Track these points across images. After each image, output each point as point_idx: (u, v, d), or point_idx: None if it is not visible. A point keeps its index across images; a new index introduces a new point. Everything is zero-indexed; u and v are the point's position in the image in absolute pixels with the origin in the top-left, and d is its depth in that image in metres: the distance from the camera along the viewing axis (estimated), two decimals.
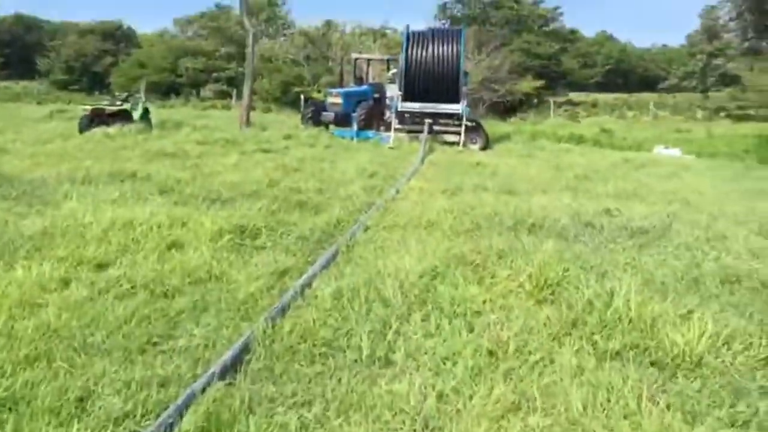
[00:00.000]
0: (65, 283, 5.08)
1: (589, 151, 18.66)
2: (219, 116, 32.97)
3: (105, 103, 19.59)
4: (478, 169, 13.02)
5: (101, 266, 5.51)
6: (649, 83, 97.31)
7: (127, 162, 11.61)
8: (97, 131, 17.03)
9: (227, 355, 3.85)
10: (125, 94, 20.38)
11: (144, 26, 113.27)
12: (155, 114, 23.20)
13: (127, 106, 19.03)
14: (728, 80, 42.03)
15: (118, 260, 5.63)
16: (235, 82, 53.13)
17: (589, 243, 6.53)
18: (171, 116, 29.89)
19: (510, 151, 17.29)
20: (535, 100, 48.78)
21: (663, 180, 11.65)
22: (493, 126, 27.69)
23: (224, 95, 49.59)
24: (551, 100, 44.83)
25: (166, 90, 54.57)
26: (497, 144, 19.20)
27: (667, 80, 55.21)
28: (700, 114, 40.53)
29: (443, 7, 53.67)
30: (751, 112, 38.61)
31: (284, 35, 54.88)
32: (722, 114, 39.07)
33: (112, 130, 17.24)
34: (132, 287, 5.02)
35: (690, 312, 4.38)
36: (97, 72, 65.49)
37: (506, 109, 44.28)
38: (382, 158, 14.40)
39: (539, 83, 46.82)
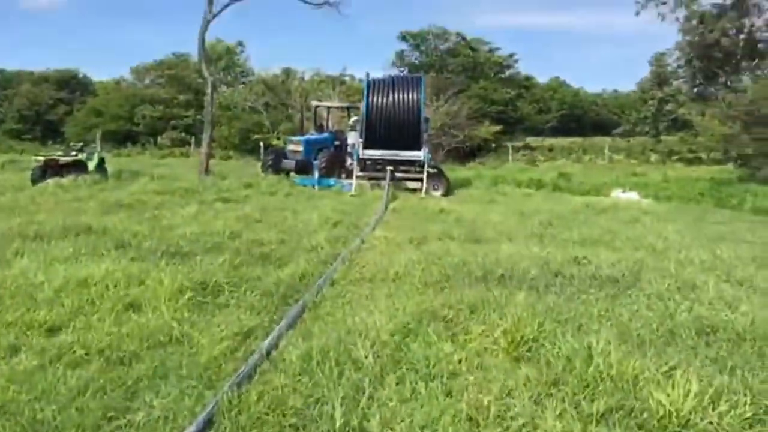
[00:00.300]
0: (14, 350, 4.75)
1: (550, 196, 18.82)
2: (177, 164, 32.63)
3: (59, 154, 19.15)
4: (442, 217, 12.95)
5: (53, 331, 5.18)
6: (601, 127, 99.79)
7: (82, 215, 11.22)
8: (51, 182, 16.58)
9: (190, 430, 3.58)
10: (80, 144, 19.94)
11: (100, 74, 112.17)
12: (111, 163, 22.82)
13: (81, 156, 18.62)
14: (679, 125, 43.24)
15: (72, 323, 5.30)
16: (193, 130, 52.76)
17: (561, 294, 6.41)
18: (128, 165, 29.39)
19: (472, 197, 17.33)
20: (493, 145, 49.41)
21: (626, 226, 11.72)
22: (453, 171, 27.92)
23: (182, 143, 49.15)
24: (509, 144, 45.47)
25: (123, 138, 53.85)
26: (459, 190, 19.26)
27: (621, 126, 56.47)
28: (653, 158, 41.44)
29: (401, 55, 54.49)
30: (702, 155, 39.67)
31: (243, 83, 54.94)
32: (675, 158, 40.05)
33: (66, 181, 16.82)
34: (86, 354, 4.71)
35: (672, 369, 4.25)
36: (52, 121, 64.45)
37: (465, 154, 44.72)
38: (345, 206, 14.25)
39: (497, 128, 47.52)
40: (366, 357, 4.58)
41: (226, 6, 19.22)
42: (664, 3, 38.95)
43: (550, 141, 67.87)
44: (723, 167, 35.26)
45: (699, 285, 6.65)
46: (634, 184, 25.14)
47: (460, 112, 42.55)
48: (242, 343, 5.08)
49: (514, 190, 19.95)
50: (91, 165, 18.50)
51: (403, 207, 14.40)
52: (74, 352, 4.72)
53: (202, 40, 19.52)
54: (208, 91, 19.94)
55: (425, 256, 8.11)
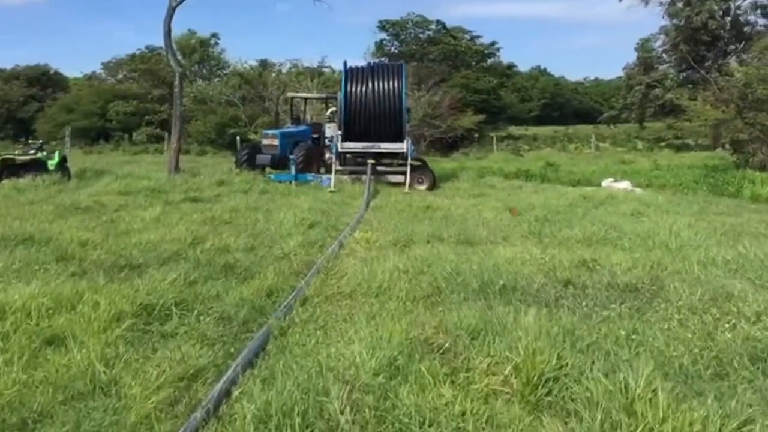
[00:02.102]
0: None
1: (540, 187, 17.82)
2: (150, 161, 31.32)
3: (16, 152, 17.88)
4: (428, 214, 11.91)
5: None
6: (584, 115, 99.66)
7: (29, 221, 10.05)
8: (6, 183, 15.34)
9: None
10: (39, 142, 18.64)
11: (73, 71, 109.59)
12: (80, 162, 21.57)
13: (41, 155, 17.35)
14: (667, 110, 42.56)
15: None
16: (168, 125, 51.23)
17: (577, 309, 5.40)
18: (97, 163, 28.14)
19: (459, 191, 16.30)
20: (477, 135, 48.54)
21: (629, 220, 10.73)
22: (437, 163, 26.89)
23: (158, 139, 47.77)
24: (493, 134, 44.57)
25: (96, 135, 52.38)
26: (445, 183, 18.22)
27: (607, 112, 55.82)
28: (640, 145, 40.80)
29: (380, 44, 53.36)
30: (690, 141, 39.03)
31: (218, 76, 53.50)
32: (662, 144, 39.38)
33: (23, 181, 15.57)
34: None
35: (748, 422, 3.25)
36: (23, 119, 62.69)
37: (448, 145, 43.79)
38: (323, 204, 13.17)
39: (480, 118, 46.62)
40: (342, 412, 3.53)
41: None
42: None
43: (533, 130, 67.27)
44: (712, 153, 34.62)
45: (735, 294, 5.65)
46: (624, 172, 24.29)
47: (441, 102, 41.59)
48: (185, 390, 4.00)
49: (502, 182, 18.93)
50: (52, 164, 17.26)
51: (386, 204, 13.34)
52: None
53: (168, 29, 18.27)
54: (176, 83, 18.71)
55: (412, 263, 7.07)
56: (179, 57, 54.40)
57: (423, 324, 4.93)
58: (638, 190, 19.16)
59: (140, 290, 5.70)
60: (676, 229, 9.22)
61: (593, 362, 4.09)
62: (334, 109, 19.00)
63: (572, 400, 3.66)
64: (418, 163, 18.20)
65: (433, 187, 17.13)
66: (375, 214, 12.14)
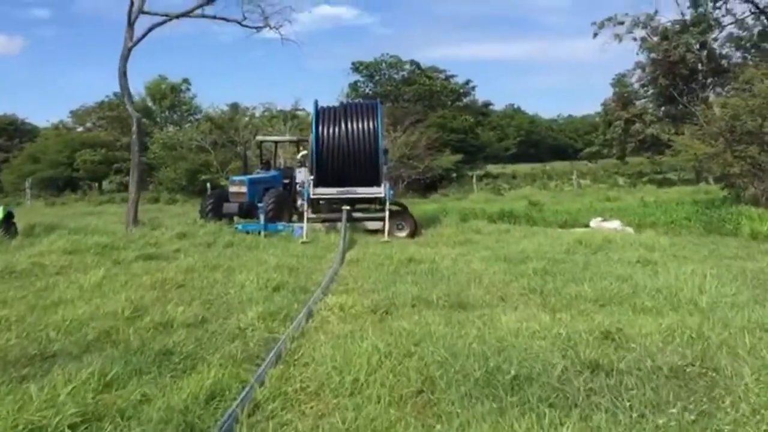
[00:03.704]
0: None
1: (530, 231, 16.61)
2: (113, 212, 29.69)
3: None
4: (411, 267, 10.54)
5: None
6: (559, 152, 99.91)
7: None
8: None
9: None
10: None
11: (43, 120, 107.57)
12: (37, 215, 20.04)
13: None
14: (647, 145, 41.91)
15: None
16: None
17: (622, 415, 4.03)
18: (57, 216, 26.57)
19: (443, 238, 14.99)
20: (455, 175, 47.63)
21: (640, 270, 9.44)
22: (417, 205, 25.70)
23: (127, 187, 46.20)
24: (472, 174, 43.60)
25: (63, 185, 50.75)
26: (426, 228, 16.93)
27: (582, 148, 55.35)
28: (621, 180, 40.01)
29: (354, 86, 52.57)
30: (671, 176, 38.35)
31: (190, 122, 52.29)
32: (644, 179, 38.62)
33: None
34: None
35: None
36: None
37: (426, 186, 42.81)
38: (293, 259, 11.76)
39: (458, 157, 45.75)
40: None
41: (149, 31, 16.74)
42: (621, 23, 37.98)
43: (511, 167, 66.67)
44: (697, 187, 33.87)
45: None
46: (611, 210, 23.23)
47: (418, 143, 40.66)
48: None
49: (487, 225, 17.67)
50: None
51: (364, 255, 11.94)
52: None
53: (124, 71, 16.96)
54: (134, 128, 17.36)
55: (396, 341, 5.70)
56: (149, 103, 53.54)
57: None
58: (629, 230, 18.08)
59: (31, 402, 4.23)
60: (698, 282, 7.95)
61: None
62: (305, 152, 17.73)
63: None
64: (397, 207, 16.94)
65: (414, 234, 15.83)
66: (351, 269, 10.76)
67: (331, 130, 15.87)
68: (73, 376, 4.80)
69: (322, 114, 16.18)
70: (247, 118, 49.03)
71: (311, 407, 4.47)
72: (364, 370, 4.92)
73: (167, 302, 7.97)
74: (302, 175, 17.19)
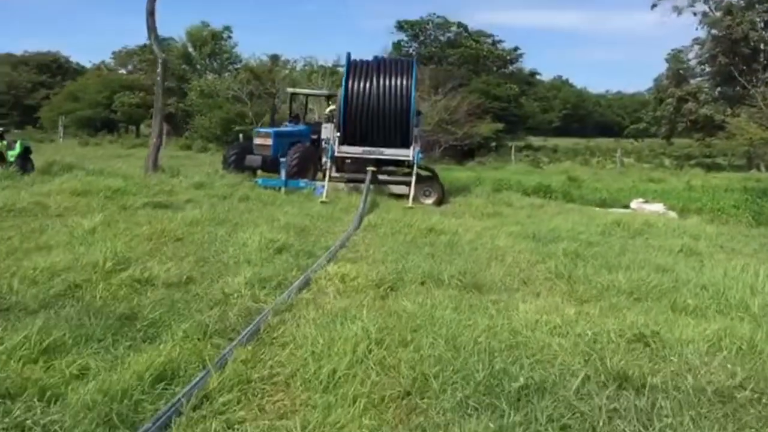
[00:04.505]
0: None
1: (565, 208, 15.60)
2: (142, 156, 29.08)
3: None
4: (430, 238, 9.72)
5: None
6: (605, 129, 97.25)
7: None
8: None
9: None
10: (0, 129, 16.65)
11: (85, 59, 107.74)
12: (67, 154, 19.63)
13: (0, 144, 15.40)
14: (699, 126, 39.87)
15: None
16: (175, 119, 49.64)
17: None
18: (84, 156, 26.28)
19: (471, 208, 14.08)
20: (494, 144, 46.35)
21: (682, 261, 8.48)
22: (450, 172, 24.78)
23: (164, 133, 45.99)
24: (511, 144, 42.25)
25: (101, 125, 50.77)
26: (456, 197, 16.03)
27: (629, 126, 53.34)
28: (667, 162, 38.30)
29: (398, 45, 51.18)
30: (720, 161, 36.62)
31: (229, 71, 51.61)
32: (692, 162, 36.87)
33: None
34: None
35: None
36: (31, 105, 61.10)
37: (464, 153, 41.69)
38: (307, 219, 11.03)
39: (499, 126, 44.40)
40: None
41: None
42: None
43: (553, 141, 64.86)
44: (748, 174, 32.19)
45: None
46: (654, 192, 22.06)
47: (459, 108, 39.44)
48: None
49: (521, 199, 16.68)
50: (12, 155, 15.32)
51: (382, 221, 11.13)
52: None
53: (151, 10, 16.15)
54: (159, 71, 16.68)
55: (393, 325, 4.92)
56: (190, 49, 52.93)
57: None
58: (672, 214, 17.01)
59: None
60: (750, 281, 6.98)
61: None
62: (333, 107, 16.85)
63: None
64: (427, 173, 16.07)
65: (441, 201, 14.96)
66: (366, 235, 9.98)
67: (361, 85, 14.96)
68: (5, 338, 4.13)
69: (353, 67, 15.26)
70: (287, 71, 48.15)
71: (274, 402, 3.72)
72: (347, 360, 4.15)
73: (157, 256, 7.33)
74: (328, 131, 16.34)
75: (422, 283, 6.63)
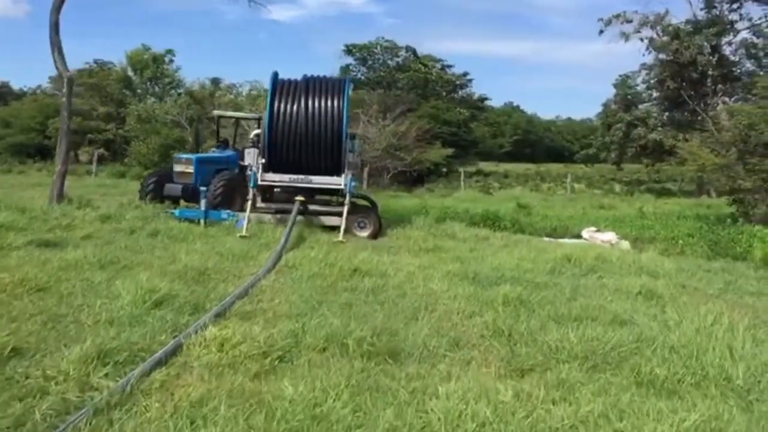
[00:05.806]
0: None
1: (512, 240, 14.38)
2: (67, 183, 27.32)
3: None
4: (353, 281, 8.31)
5: None
6: (555, 154, 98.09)
7: None
8: None
9: None
10: None
11: (25, 84, 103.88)
12: None
13: None
14: (648, 151, 39.59)
15: None
16: (113, 146, 47.61)
17: None
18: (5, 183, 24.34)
19: (409, 242, 12.74)
20: (444, 170, 45.38)
21: (643, 308, 7.20)
22: (397, 199, 23.55)
23: (100, 160, 43.79)
24: (461, 170, 41.31)
25: (35, 152, 48.32)
26: (395, 228, 14.66)
27: (578, 151, 53.23)
28: (618, 187, 37.83)
29: (346, 69, 50.11)
30: (670, 186, 36.30)
31: (171, 95, 49.78)
32: (641, 188, 36.45)
33: None
34: None
35: None
36: None
37: (413, 179, 40.59)
38: (216, 258, 9.53)
39: (449, 152, 43.50)
40: None
41: None
42: (629, 21, 35.80)
43: (504, 166, 64.51)
44: (698, 200, 31.80)
45: None
46: (606, 219, 21.15)
47: (408, 133, 38.35)
48: None
49: (465, 230, 15.38)
50: None
51: (302, 261, 9.67)
52: None
53: (55, 23, 14.52)
54: (64, 89, 15.02)
55: None
56: (130, 73, 50.99)
57: None
58: (625, 244, 16.08)
59: None
60: (726, 336, 5.75)
61: None
62: (259, 131, 15.39)
63: None
64: (364, 202, 14.71)
65: (377, 234, 13.59)
66: (278, 279, 8.52)
67: (288, 107, 13.56)
68: None
69: (280, 87, 13.87)
70: (232, 96, 46.62)
71: None
72: None
73: None
74: (251, 157, 14.89)
75: (323, 350, 5.22)
